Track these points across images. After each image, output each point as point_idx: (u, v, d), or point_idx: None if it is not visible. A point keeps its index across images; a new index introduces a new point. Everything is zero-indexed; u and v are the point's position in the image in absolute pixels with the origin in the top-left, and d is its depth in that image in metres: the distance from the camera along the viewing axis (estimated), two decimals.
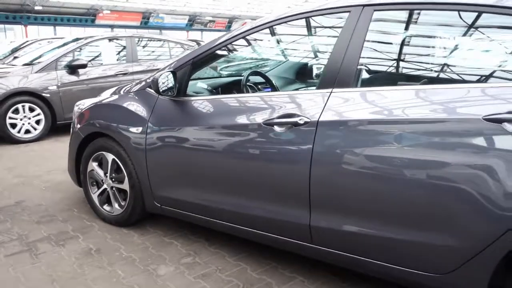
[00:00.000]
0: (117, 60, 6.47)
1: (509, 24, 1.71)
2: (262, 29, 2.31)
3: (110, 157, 2.85)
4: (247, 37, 2.39)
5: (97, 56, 6.36)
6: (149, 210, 2.77)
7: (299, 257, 2.42)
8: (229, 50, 2.48)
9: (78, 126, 3.04)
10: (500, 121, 1.55)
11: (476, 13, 1.76)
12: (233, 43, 2.41)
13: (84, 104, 3.15)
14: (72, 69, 5.77)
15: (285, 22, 2.24)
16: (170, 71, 2.44)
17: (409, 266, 1.81)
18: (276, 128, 2.06)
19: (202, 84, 2.75)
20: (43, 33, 31.37)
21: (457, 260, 1.68)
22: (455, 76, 1.85)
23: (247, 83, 2.70)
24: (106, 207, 3.01)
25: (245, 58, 3.18)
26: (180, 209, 2.59)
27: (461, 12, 1.78)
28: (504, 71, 1.71)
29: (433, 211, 1.69)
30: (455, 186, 1.63)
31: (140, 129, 2.62)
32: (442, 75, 1.90)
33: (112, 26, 34.59)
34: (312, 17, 2.23)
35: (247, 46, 2.61)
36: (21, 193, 3.68)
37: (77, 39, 6.47)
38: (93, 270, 2.40)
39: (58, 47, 6.34)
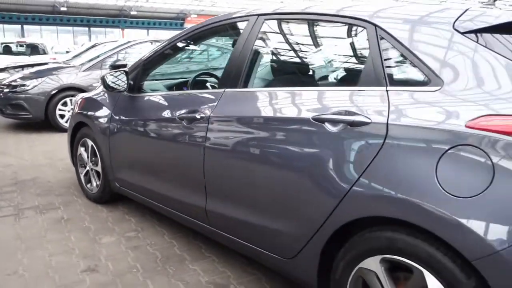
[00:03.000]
0: None
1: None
2: (190, 35, 2.63)
3: (89, 143, 3.35)
4: (177, 43, 2.73)
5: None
6: (113, 190, 3.21)
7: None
8: (168, 54, 2.83)
9: (72, 116, 3.59)
10: (323, 121, 1.72)
11: (324, 22, 1.92)
12: (169, 48, 2.75)
13: (81, 97, 3.69)
14: (114, 68, 6.51)
15: (206, 29, 2.53)
16: (123, 70, 2.85)
17: (268, 249, 2.01)
18: (184, 122, 2.37)
19: (158, 83, 3.14)
20: (137, 35, 34.24)
21: (296, 247, 1.85)
22: (305, 79, 2.02)
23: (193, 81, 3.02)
24: (89, 186, 3.51)
25: (181, 61, 3.53)
26: (131, 190, 2.99)
27: (312, 22, 1.95)
28: (334, 76, 1.85)
29: (277, 199, 1.89)
30: (290, 178, 1.82)
31: (106, 119, 3.07)
32: (295, 78, 2.07)
33: None
34: (227, 25, 2.48)
35: (179, 51, 2.95)
36: (41, 171, 4.36)
37: (128, 42, 7.24)
38: (53, 234, 2.89)
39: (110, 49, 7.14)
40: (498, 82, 1.38)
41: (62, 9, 33.59)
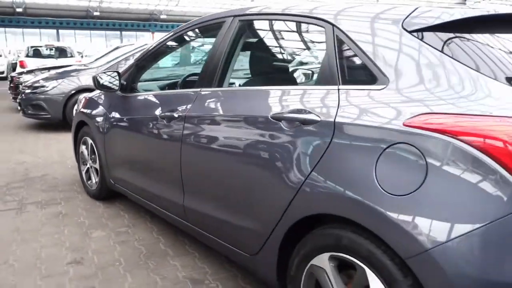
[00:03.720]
0: None
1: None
2: (176, 37, 2.70)
3: (89, 141, 3.48)
4: (165, 44, 2.81)
5: None
6: (109, 186, 3.32)
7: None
8: (157, 56, 2.91)
9: (75, 114, 3.74)
10: (280, 119, 1.75)
11: (291, 23, 1.94)
12: (157, 50, 2.84)
13: (84, 96, 3.84)
14: None
15: (189, 30, 2.60)
16: (116, 71, 2.96)
17: (236, 245, 2.05)
18: (165, 120, 2.44)
19: (151, 84, 3.23)
20: None
21: (258, 243, 1.88)
22: (269, 79, 2.04)
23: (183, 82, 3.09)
24: (89, 182, 3.64)
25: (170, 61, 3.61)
26: (123, 187, 3.09)
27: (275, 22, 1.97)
28: (295, 75, 1.87)
29: (240, 196, 1.93)
30: (250, 175, 1.86)
31: (102, 118, 3.19)
32: (261, 78, 2.09)
33: None
34: (208, 26, 2.54)
35: (167, 52, 3.03)
36: (51, 169, 4.54)
37: (145, 44, 7.43)
38: (49, 227, 3.02)
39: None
40: (438, 81, 1.37)
41: (95, 13, 34.64)
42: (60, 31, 38.21)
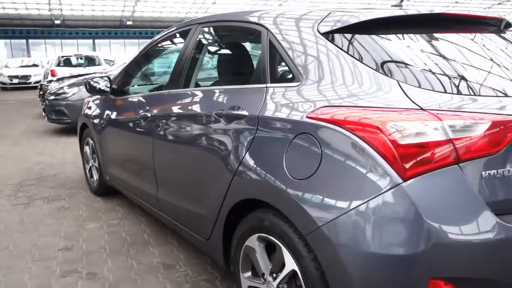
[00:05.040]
0: None
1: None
2: (153, 44, 2.95)
3: (90, 141, 3.79)
4: (146, 52, 3.07)
5: None
6: (106, 183, 3.60)
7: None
8: (142, 61, 3.17)
9: (80, 117, 4.06)
10: (221, 115, 1.95)
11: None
12: (142, 56, 3.10)
13: (87, 100, 4.16)
14: None
15: (167, 37, 2.84)
16: (107, 76, 3.24)
17: (195, 231, 2.26)
18: (141, 120, 2.68)
19: (139, 88, 3.49)
20: None
21: (209, 228, 2.08)
22: (218, 79, 2.24)
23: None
24: (91, 180, 3.95)
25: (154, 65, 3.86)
26: (116, 183, 3.36)
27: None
28: (237, 75, 2.06)
29: (194, 186, 2.14)
30: (200, 166, 2.07)
31: (98, 119, 3.48)
32: (211, 79, 2.29)
33: None
34: (180, 33, 2.76)
35: (149, 59, 3.29)
36: (64, 168, 4.91)
37: None
38: (51, 219, 3.33)
39: None
40: (339, 78, 1.54)
41: (128, 23, 35.89)
42: (96, 40, 39.85)
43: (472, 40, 1.74)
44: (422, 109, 1.34)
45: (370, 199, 1.32)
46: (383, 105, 1.39)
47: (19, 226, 3.22)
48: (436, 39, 1.68)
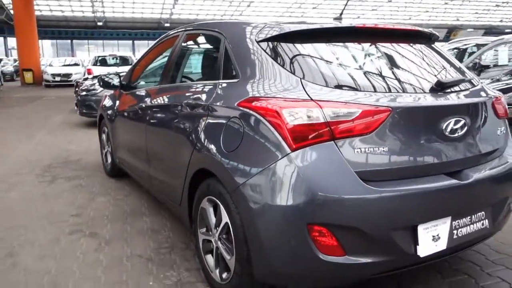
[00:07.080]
0: None
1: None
2: (155, 46, 3.50)
3: (106, 130, 4.40)
4: (149, 52, 3.63)
5: None
6: (116, 165, 4.19)
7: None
8: (146, 60, 3.74)
9: (98, 109, 4.69)
10: (188, 105, 2.46)
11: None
12: (145, 56, 3.66)
13: (105, 94, 4.79)
14: None
15: (166, 40, 3.39)
16: (117, 73, 3.83)
17: (172, 199, 2.77)
18: (139, 110, 3.24)
19: (145, 83, 4.05)
20: None
21: (179, 195, 2.59)
22: (190, 77, 2.75)
23: None
24: (106, 163, 4.56)
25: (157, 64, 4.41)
26: (122, 164, 3.94)
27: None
28: (204, 73, 2.56)
29: (169, 160, 2.66)
30: (173, 145, 2.59)
31: (110, 111, 4.08)
32: (186, 76, 2.81)
33: None
34: (174, 37, 3.29)
35: (152, 58, 3.83)
36: (87, 155, 5.57)
37: None
38: (68, 194, 3.95)
39: None
40: (263, 75, 2.01)
41: (166, 25, 37.18)
42: (135, 41, 41.50)
43: (379, 48, 2.16)
44: (311, 99, 1.79)
45: (270, 165, 1.78)
46: (288, 97, 1.85)
47: (42, 197, 3.85)
48: (346, 47, 2.11)
